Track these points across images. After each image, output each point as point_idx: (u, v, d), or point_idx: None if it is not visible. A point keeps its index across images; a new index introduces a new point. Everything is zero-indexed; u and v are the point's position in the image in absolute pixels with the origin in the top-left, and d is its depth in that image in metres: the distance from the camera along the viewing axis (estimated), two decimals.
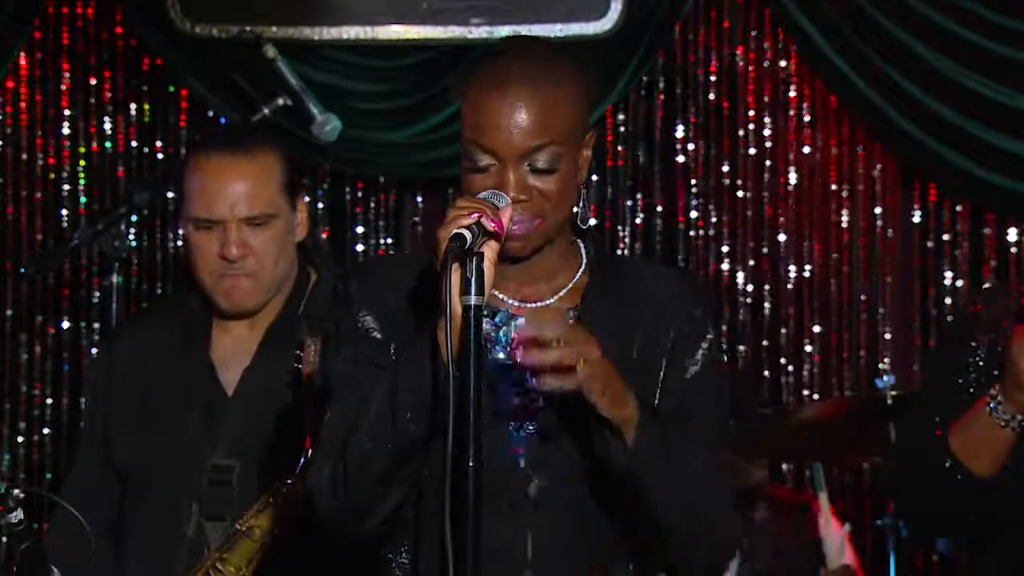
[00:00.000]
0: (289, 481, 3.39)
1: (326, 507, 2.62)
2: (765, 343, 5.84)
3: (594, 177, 5.87)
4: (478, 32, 5.72)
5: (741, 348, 5.84)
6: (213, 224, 3.53)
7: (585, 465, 2.62)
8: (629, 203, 5.90)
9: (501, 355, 2.65)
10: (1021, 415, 3.21)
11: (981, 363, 3.31)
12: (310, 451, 3.36)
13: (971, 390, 3.29)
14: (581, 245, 2.76)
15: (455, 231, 2.44)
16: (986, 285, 5.66)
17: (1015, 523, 3.29)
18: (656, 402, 2.66)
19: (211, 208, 3.52)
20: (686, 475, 2.57)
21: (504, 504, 2.60)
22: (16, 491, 3.07)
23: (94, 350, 5.82)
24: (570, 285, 2.73)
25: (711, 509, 2.62)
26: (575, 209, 2.68)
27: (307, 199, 3.79)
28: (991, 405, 3.22)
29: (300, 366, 3.43)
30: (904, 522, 4.26)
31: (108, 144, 5.95)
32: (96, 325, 5.91)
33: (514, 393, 2.65)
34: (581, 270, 2.74)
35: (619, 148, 5.89)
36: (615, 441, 2.53)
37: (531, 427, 2.65)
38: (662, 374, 2.68)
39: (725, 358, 5.76)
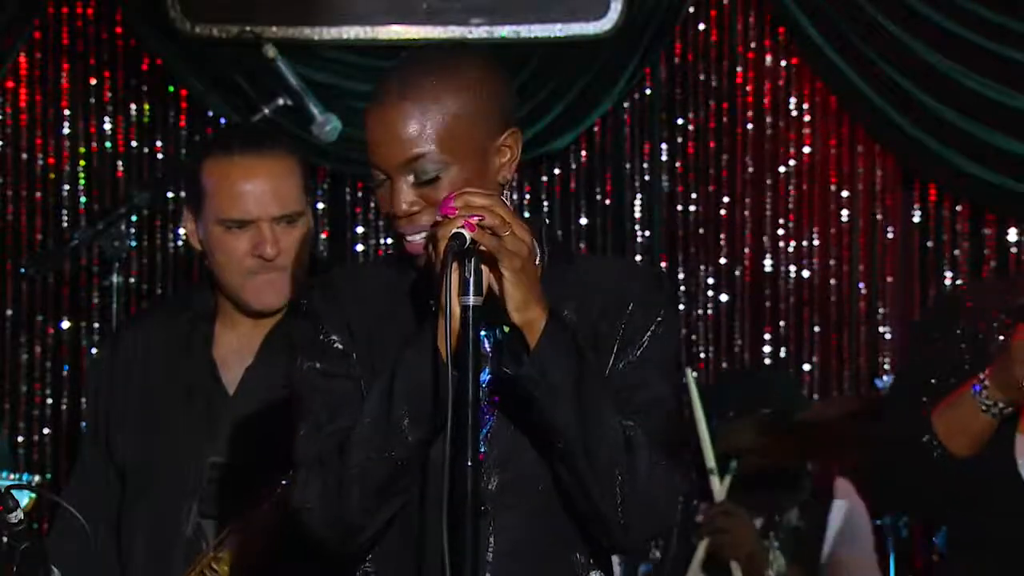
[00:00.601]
0: (284, 482, 3.39)
1: (315, 523, 2.58)
2: (765, 343, 5.84)
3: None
4: (478, 32, 5.72)
5: (739, 347, 5.85)
6: (245, 224, 3.52)
7: (547, 462, 2.59)
8: (629, 202, 5.90)
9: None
10: (1003, 404, 3.24)
11: (963, 347, 3.34)
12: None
13: (955, 375, 3.32)
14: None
15: (454, 230, 2.44)
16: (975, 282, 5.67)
17: (1009, 520, 3.31)
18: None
19: (244, 208, 3.51)
20: (609, 432, 2.53)
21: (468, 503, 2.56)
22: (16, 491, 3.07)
23: (94, 350, 5.82)
24: None
25: (643, 478, 2.56)
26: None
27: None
28: (976, 388, 3.25)
29: None
30: (873, 493, 4.26)
31: (108, 144, 5.95)
32: (96, 325, 5.91)
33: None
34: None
35: (618, 148, 5.89)
36: (519, 347, 2.50)
37: (491, 423, 2.62)
38: (610, 365, 2.64)
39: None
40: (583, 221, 5.90)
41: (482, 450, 2.60)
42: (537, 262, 2.63)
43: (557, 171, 5.90)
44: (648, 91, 5.88)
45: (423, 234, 2.56)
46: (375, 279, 2.72)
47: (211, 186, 3.54)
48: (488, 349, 2.63)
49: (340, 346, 2.65)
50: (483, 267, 2.46)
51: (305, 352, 2.68)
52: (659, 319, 2.66)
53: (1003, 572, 3.35)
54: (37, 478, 3.46)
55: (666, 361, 2.67)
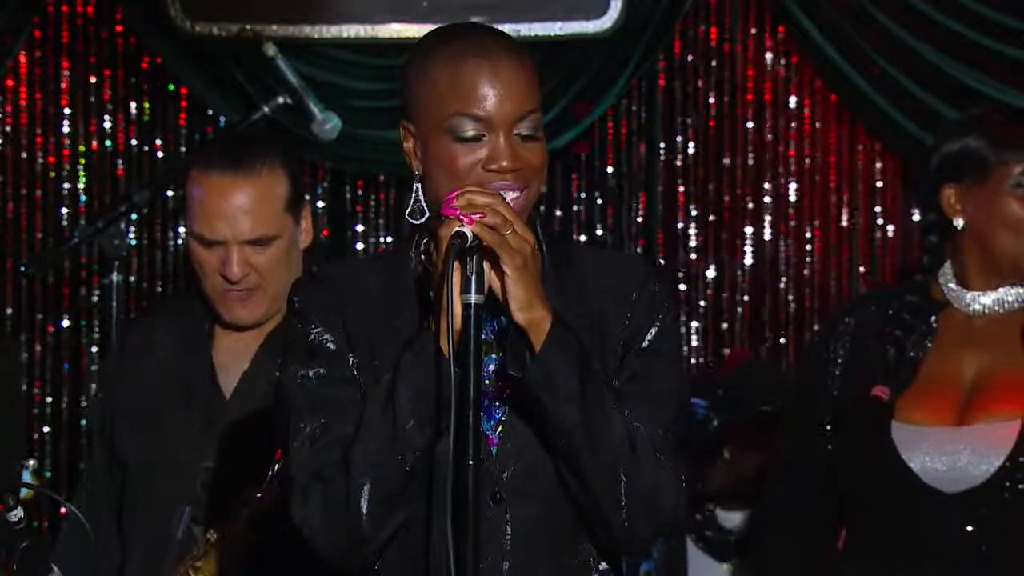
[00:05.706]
0: (258, 495, 3.35)
1: (320, 540, 2.53)
2: (765, 343, 5.84)
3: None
4: None
5: (739, 346, 5.85)
6: (215, 243, 3.52)
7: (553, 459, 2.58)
8: (629, 202, 5.90)
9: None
10: None
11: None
12: (278, 465, 3.28)
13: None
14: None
15: (456, 229, 2.42)
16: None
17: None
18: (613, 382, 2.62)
19: (213, 228, 3.51)
20: (613, 434, 2.51)
21: (483, 496, 2.53)
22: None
23: (94, 349, 5.83)
24: None
25: (648, 480, 2.54)
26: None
27: (307, 199, 3.78)
28: None
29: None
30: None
31: (108, 142, 5.95)
32: (96, 324, 5.91)
33: (485, 383, 2.59)
34: None
35: (618, 147, 5.90)
36: (522, 347, 2.49)
37: (501, 416, 2.60)
38: (619, 353, 2.63)
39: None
40: (582, 216, 5.90)
41: (495, 439, 2.59)
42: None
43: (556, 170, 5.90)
44: (647, 90, 5.88)
45: (518, 193, 2.55)
46: (374, 273, 2.67)
47: (190, 198, 3.56)
48: (494, 340, 2.60)
49: (332, 346, 2.60)
50: (485, 266, 2.46)
51: (295, 357, 2.62)
52: (664, 309, 2.66)
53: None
54: (32, 462, 3.45)
55: (673, 352, 2.67)
